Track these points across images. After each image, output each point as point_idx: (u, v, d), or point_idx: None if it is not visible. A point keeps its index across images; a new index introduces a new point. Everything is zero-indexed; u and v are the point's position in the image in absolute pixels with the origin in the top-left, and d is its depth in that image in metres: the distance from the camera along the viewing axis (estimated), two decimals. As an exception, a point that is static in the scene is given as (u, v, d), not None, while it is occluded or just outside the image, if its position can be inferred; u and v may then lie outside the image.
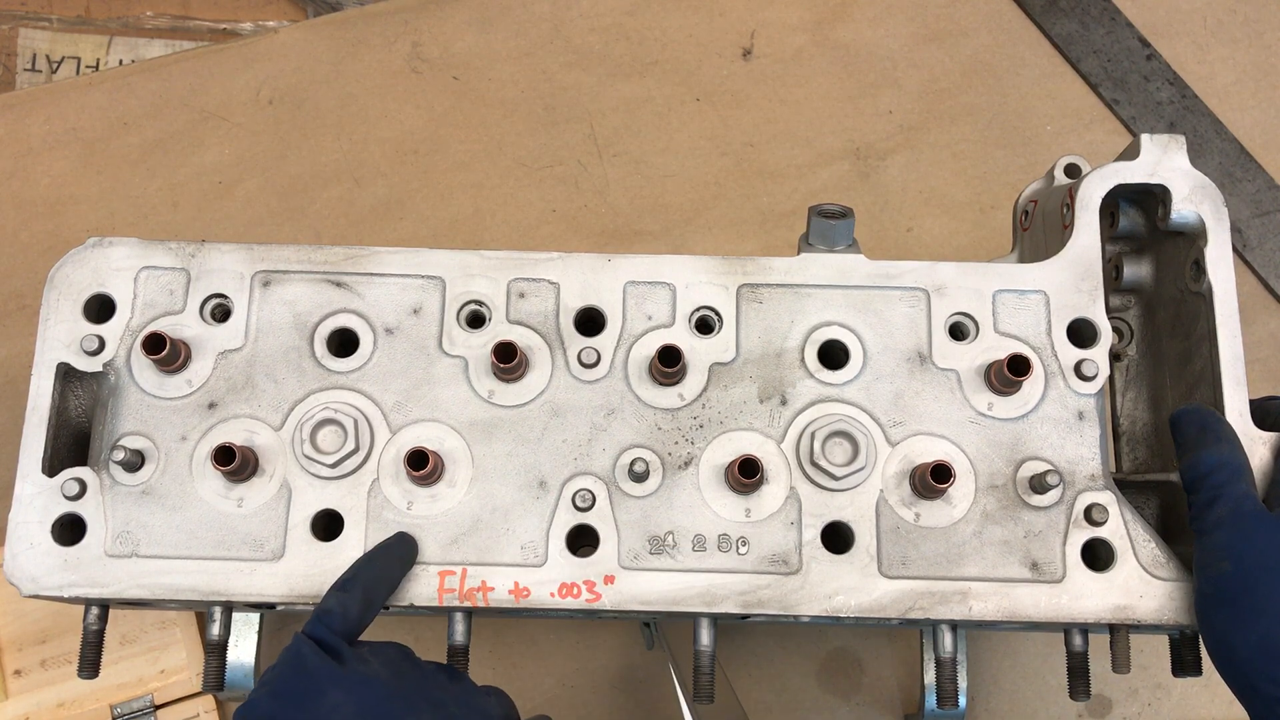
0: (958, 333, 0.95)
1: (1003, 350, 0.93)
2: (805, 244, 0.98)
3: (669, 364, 0.90)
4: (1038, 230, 1.05)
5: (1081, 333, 0.95)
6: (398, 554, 0.88)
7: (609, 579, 0.89)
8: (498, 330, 0.94)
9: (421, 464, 0.87)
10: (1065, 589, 0.88)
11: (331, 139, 1.43)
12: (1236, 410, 0.90)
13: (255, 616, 1.10)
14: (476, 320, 0.96)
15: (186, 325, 0.94)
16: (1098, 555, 0.90)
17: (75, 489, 0.90)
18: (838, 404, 0.93)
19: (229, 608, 0.91)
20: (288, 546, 0.90)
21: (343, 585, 0.84)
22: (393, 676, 0.78)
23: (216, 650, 0.92)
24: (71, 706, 1.14)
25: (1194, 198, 0.94)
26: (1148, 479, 0.97)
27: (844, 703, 1.20)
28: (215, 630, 0.91)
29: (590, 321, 0.96)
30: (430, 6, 1.50)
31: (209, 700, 1.16)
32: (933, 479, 0.86)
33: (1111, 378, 1.03)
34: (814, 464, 0.90)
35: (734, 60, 1.48)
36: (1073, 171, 1.05)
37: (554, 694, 1.21)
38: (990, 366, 0.92)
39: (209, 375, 0.93)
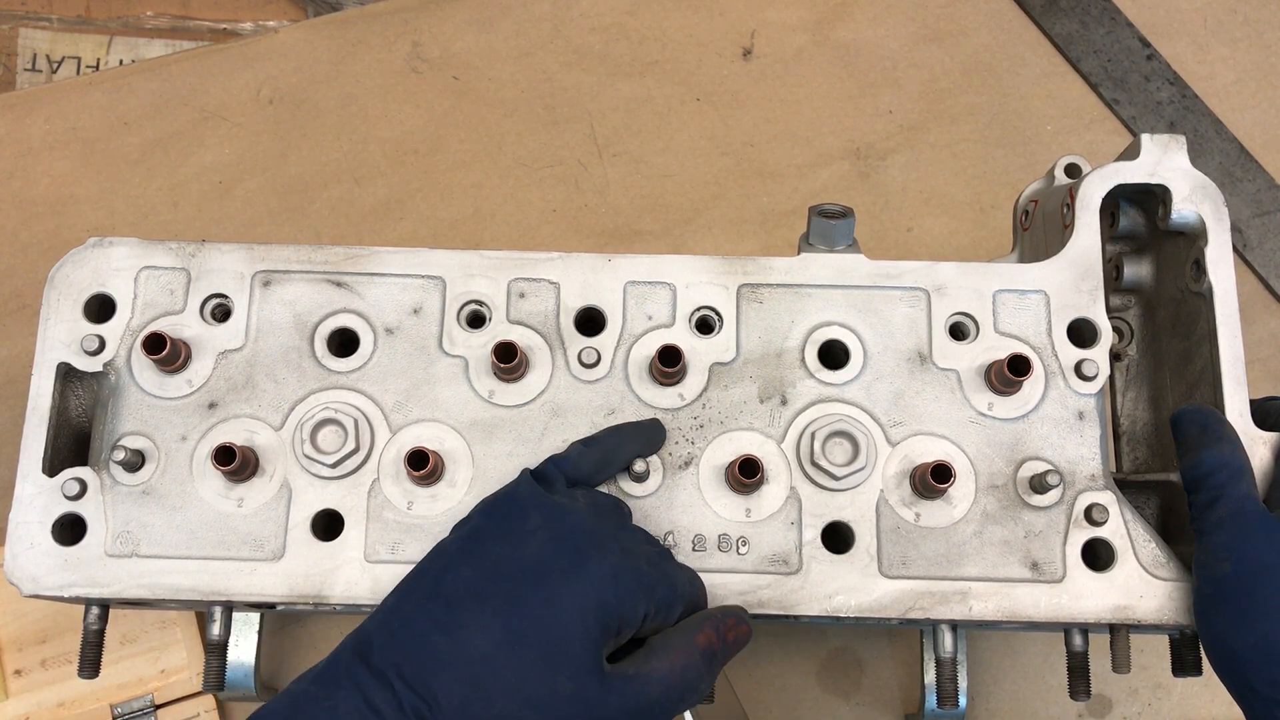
0: (958, 333, 0.95)
1: (1003, 350, 0.93)
2: (805, 244, 0.98)
3: (669, 364, 0.90)
4: (1038, 230, 1.05)
5: (1082, 333, 0.95)
6: (647, 433, 0.91)
7: (609, 579, 0.88)
8: (498, 330, 0.94)
9: (422, 464, 0.87)
10: (1065, 589, 0.88)
11: (331, 139, 1.43)
12: (1237, 410, 0.90)
13: (255, 616, 1.10)
14: (477, 320, 0.96)
15: (187, 325, 0.94)
16: (1098, 555, 0.90)
17: (75, 489, 0.90)
18: (838, 404, 0.93)
19: (229, 608, 0.91)
20: (288, 546, 0.90)
21: (586, 441, 0.88)
22: (593, 515, 0.82)
23: (217, 650, 0.92)
24: (71, 706, 1.14)
25: (1194, 198, 0.94)
26: (1148, 479, 0.97)
27: (844, 703, 1.20)
28: (215, 630, 0.91)
29: (590, 321, 0.96)
30: (430, 6, 1.50)
31: (209, 700, 1.16)
32: (933, 479, 0.87)
33: (1112, 378, 1.03)
34: (814, 464, 0.90)
35: (734, 60, 1.48)
36: (1073, 171, 1.06)
37: (554, 694, 1.21)
38: (990, 366, 0.92)
39: (209, 375, 0.93)
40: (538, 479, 0.84)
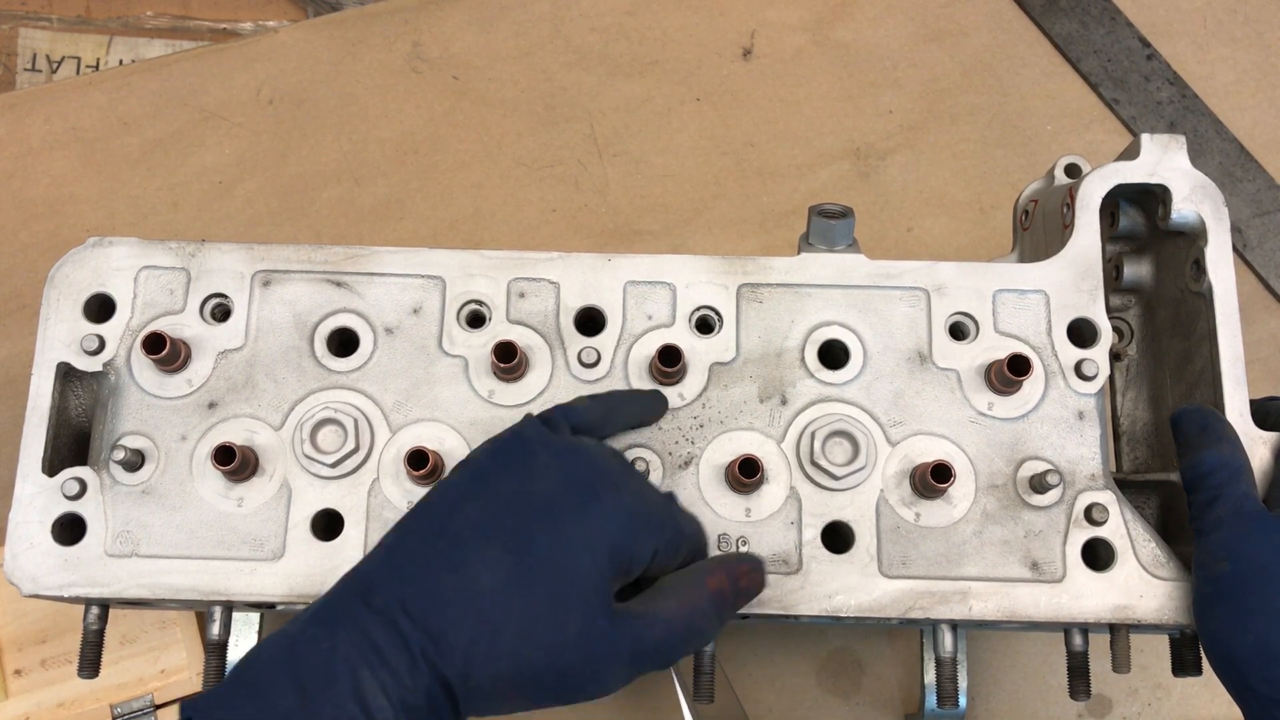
0: (958, 332, 0.95)
1: (1003, 350, 0.93)
2: (805, 244, 0.98)
3: (669, 364, 0.90)
4: (1038, 230, 1.05)
5: (1081, 332, 0.95)
6: (650, 401, 0.91)
7: (609, 579, 0.88)
8: (498, 330, 0.94)
9: (422, 463, 0.87)
10: (1065, 589, 0.88)
11: (331, 139, 1.43)
12: (1237, 410, 0.90)
13: (255, 616, 1.10)
14: (476, 320, 0.96)
15: (186, 325, 0.94)
16: (1098, 555, 0.90)
17: (75, 489, 0.90)
18: (838, 404, 0.93)
19: (229, 607, 0.91)
20: (288, 546, 0.90)
21: (594, 396, 0.89)
22: (602, 454, 0.82)
23: (216, 650, 0.92)
24: (71, 706, 1.14)
25: (1194, 197, 0.94)
26: (1148, 479, 0.97)
27: (844, 703, 1.20)
28: (215, 630, 0.91)
29: (590, 321, 0.96)
30: (430, 6, 1.50)
31: (209, 700, 1.15)
32: (933, 479, 0.87)
33: (1112, 377, 1.03)
34: (814, 463, 0.90)
35: (734, 60, 1.48)
36: (1073, 171, 1.06)
37: (554, 694, 1.21)
38: (990, 366, 0.92)
39: (209, 375, 0.93)
40: (546, 422, 0.83)
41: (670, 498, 0.86)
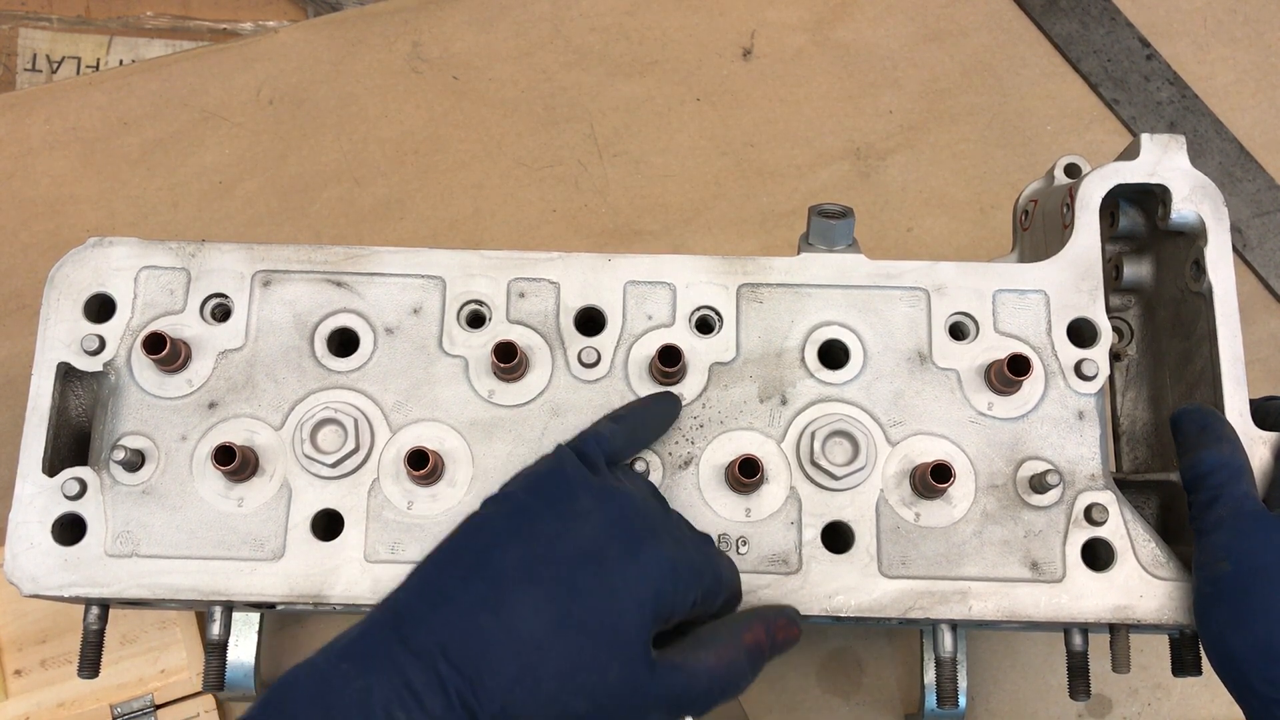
0: (958, 332, 0.95)
1: (1003, 350, 0.93)
2: (805, 244, 0.98)
3: (669, 364, 0.90)
4: (1038, 230, 1.05)
5: (1081, 332, 0.95)
6: (668, 407, 0.91)
7: (609, 579, 0.88)
8: (498, 330, 0.94)
9: (422, 463, 0.87)
10: (1065, 589, 0.88)
11: (331, 139, 1.43)
12: (1236, 410, 0.90)
13: (255, 616, 1.10)
14: (476, 320, 0.96)
15: (187, 325, 0.94)
16: (1098, 555, 0.90)
17: (75, 489, 0.90)
18: (838, 404, 0.93)
19: (229, 608, 0.91)
20: (288, 546, 0.90)
21: (614, 417, 0.88)
22: (642, 498, 0.81)
23: (217, 650, 0.93)
24: (71, 706, 1.14)
25: (1194, 198, 0.94)
26: (1148, 479, 0.97)
27: (844, 703, 1.20)
28: (215, 630, 0.91)
29: (590, 321, 0.96)
30: (430, 6, 1.50)
31: (209, 700, 1.16)
32: (933, 479, 0.87)
33: (1111, 377, 1.03)
34: (814, 464, 0.90)
35: (734, 60, 1.48)
36: (1073, 171, 1.06)
37: (554, 694, 1.21)
38: (990, 366, 0.92)
39: (209, 375, 0.93)
40: (580, 457, 0.81)
41: (706, 540, 0.85)
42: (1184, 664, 0.92)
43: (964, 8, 1.49)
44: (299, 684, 0.69)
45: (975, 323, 0.95)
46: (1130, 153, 0.97)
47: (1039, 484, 0.89)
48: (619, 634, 0.72)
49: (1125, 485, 0.96)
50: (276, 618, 1.21)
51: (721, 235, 1.39)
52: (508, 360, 0.90)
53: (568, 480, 0.78)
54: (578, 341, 0.94)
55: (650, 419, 0.90)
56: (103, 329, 0.94)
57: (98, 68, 1.82)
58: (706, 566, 0.80)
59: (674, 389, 0.93)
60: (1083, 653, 0.91)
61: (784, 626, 0.82)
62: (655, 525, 0.79)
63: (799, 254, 0.98)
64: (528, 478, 0.79)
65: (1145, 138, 0.96)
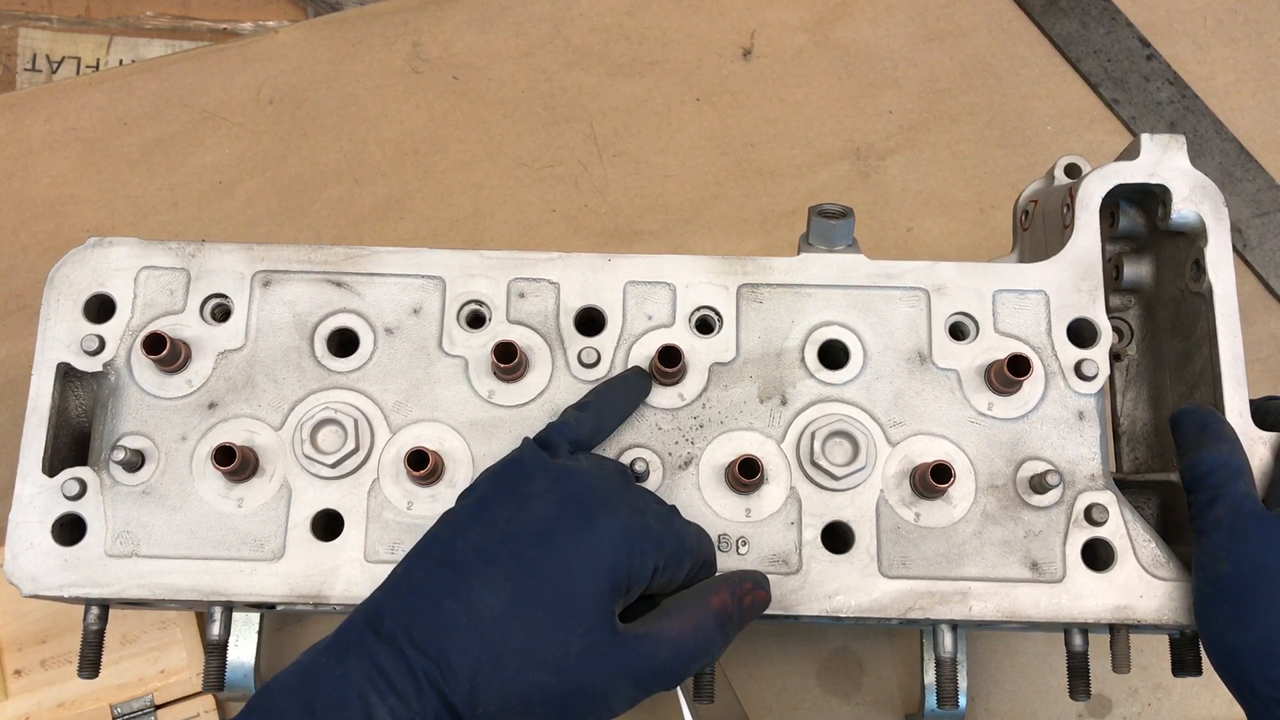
0: (958, 333, 0.95)
1: (1003, 350, 0.93)
2: (805, 244, 0.98)
3: (669, 364, 0.90)
4: (1038, 230, 1.05)
5: (1081, 332, 0.95)
6: (635, 387, 0.92)
7: (609, 579, 0.88)
8: (498, 330, 0.94)
9: (422, 464, 0.87)
10: (1065, 589, 0.88)
11: (331, 139, 1.43)
12: (1236, 410, 0.90)
13: (255, 616, 1.10)
14: (476, 320, 0.96)
15: (186, 325, 0.94)
16: (1098, 555, 0.90)
17: (75, 489, 0.90)
18: (838, 404, 0.93)
19: (229, 608, 0.91)
20: (288, 546, 0.90)
21: (580, 405, 0.89)
22: (598, 475, 0.82)
23: (217, 650, 0.92)
24: (71, 706, 1.14)
25: (1194, 198, 0.94)
26: (1148, 479, 0.97)
27: (844, 703, 1.20)
28: (215, 630, 0.91)
29: (590, 321, 0.96)
30: (430, 6, 1.50)
31: (209, 700, 1.16)
32: (933, 479, 0.87)
33: (1111, 378, 1.03)
34: (814, 464, 0.90)
35: (734, 60, 1.48)
36: (1073, 171, 1.06)
37: (554, 694, 1.20)
38: (990, 366, 0.92)
39: (209, 375, 0.93)
40: (541, 445, 0.84)
41: (672, 511, 0.86)
42: (1184, 664, 0.92)
43: (964, 8, 1.49)
44: (281, 679, 0.73)
45: (975, 323, 0.95)
46: (1130, 153, 0.97)
47: (1039, 484, 0.89)
48: (575, 605, 0.74)
49: (1125, 485, 0.96)
50: (276, 618, 1.21)
51: (721, 235, 1.39)
52: (508, 360, 0.90)
53: (524, 466, 0.81)
54: (578, 342, 0.94)
55: (616, 400, 0.91)
56: (103, 329, 0.94)
57: (98, 68, 1.82)
58: (667, 534, 0.80)
59: (674, 389, 0.93)
60: (1083, 653, 0.91)
61: (750, 590, 0.82)
62: (611, 498, 0.80)
63: (799, 254, 0.98)
64: (491, 470, 0.83)
65: (1145, 138, 0.96)
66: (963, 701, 1.08)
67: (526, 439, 0.85)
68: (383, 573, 0.88)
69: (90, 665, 0.92)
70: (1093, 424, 0.92)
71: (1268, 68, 1.46)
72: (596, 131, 1.44)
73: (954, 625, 0.90)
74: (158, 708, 1.14)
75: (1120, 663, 0.89)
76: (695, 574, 0.83)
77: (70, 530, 0.90)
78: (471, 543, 0.76)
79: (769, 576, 0.88)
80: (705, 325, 0.96)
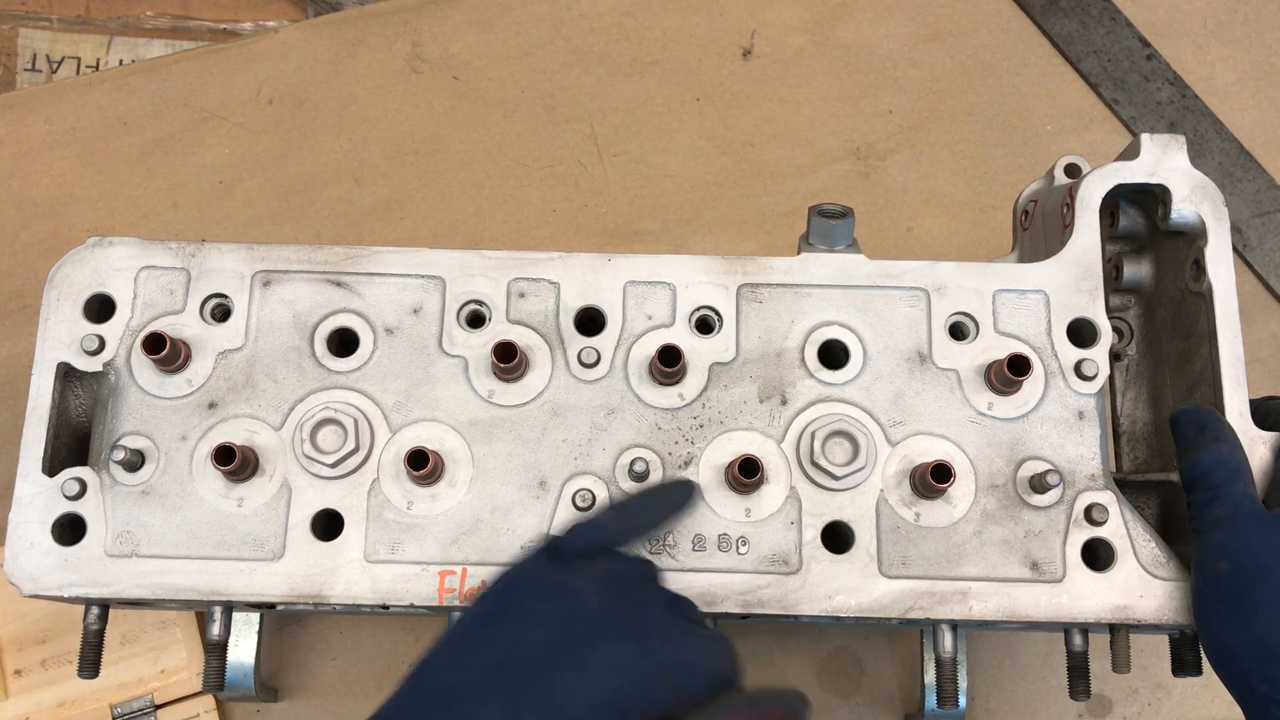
0: (958, 332, 0.95)
1: (1003, 350, 0.93)
2: (805, 244, 0.98)
3: (669, 364, 0.90)
4: (1038, 230, 1.05)
5: (1081, 332, 0.95)
6: (680, 494, 0.87)
7: (609, 579, 0.88)
8: (498, 330, 0.94)
9: (422, 464, 0.87)
10: (1065, 589, 0.88)
11: (331, 139, 1.43)
12: (1236, 410, 0.90)
13: (255, 616, 1.10)
14: (476, 320, 0.96)
15: (186, 325, 0.94)
16: (1098, 555, 0.90)
17: (75, 489, 0.90)
18: (838, 404, 0.93)
19: (229, 608, 0.91)
20: (288, 546, 0.90)
21: (619, 505, 0.86)
22: (604, 595, 0.77)
23: (217, 650, 0.92)
24: (71, 706, 1.14)
25: (1194, 197, 0.94)
26: (1148, 479, 0.97)
27: (844, 703, 1.20)
28: (215, 630, 0.91)
29: (590, 321, 0.96)
30: (430, 6, 1.50)
31: (209, 700, 1.16)
32: (933, 479, 0.87)
33: (1111, 377, 1.03)
34: (814, 464, 0.90)
35: (734, 60, 1.48)
36: (1073, 171, 1.06)
37: (554, 694, 1.20)
38: (990, 366, 0.92)
39: (209, 375, 0.93)
40: (553, 551, 0.80)
41: (685, 627, 0.79)
42: (1184, 664, 0.92)
43: (964, 8, 1.49)
44: None
45: (975, 323, 0.95)
46: (1130, 153, 0.97)
47: (1039, 484, 0.89)
48: None
49: (1125, 485, 0.96)
50: (276, 618, 1.21)
51: (721, 235, 1.39)
52: (508, 360, 0.90)
53: (529, 581, 0.77)
54: (578, 341, 0.94)
55: (656, 507, 0.86)
56: (102, 329, 0.94)
57: (97, 68, 1.82)
58: (675, 661, 0.75)
59: (674, 389, 0.93)
60: (1083, 653, 0.91)
61: (777, 714, 0.74)
62: (612, 622, 0.75)
63: (799, 254, 0.98)
64: (500, 579, 0.79)
65: (1145, 138, 0.96)
66: (963, 701, 1.08)
67: (534, 545, 0.81)
68: (383, 572, 0.89)
69: (90, 665, 0.92)
70: (1093, 424, 0.92)
71: (1268, 68, 1.46)
72: (596, 131, 1.44)
73: (954, 625, 0.90)
74: (158, 708, 1.14)
75: (1120, 663, 0.89)
76: (717, 690, 0.76)
77: (70, 530, 0.91)
78: (471, 666, 0.73)
79: (769, 576, 0.88)
80: (705, 325, 0.96)
